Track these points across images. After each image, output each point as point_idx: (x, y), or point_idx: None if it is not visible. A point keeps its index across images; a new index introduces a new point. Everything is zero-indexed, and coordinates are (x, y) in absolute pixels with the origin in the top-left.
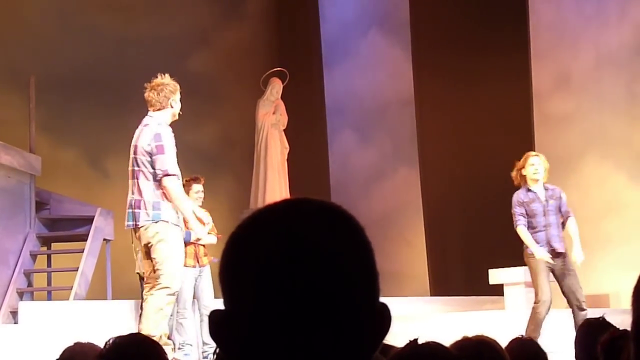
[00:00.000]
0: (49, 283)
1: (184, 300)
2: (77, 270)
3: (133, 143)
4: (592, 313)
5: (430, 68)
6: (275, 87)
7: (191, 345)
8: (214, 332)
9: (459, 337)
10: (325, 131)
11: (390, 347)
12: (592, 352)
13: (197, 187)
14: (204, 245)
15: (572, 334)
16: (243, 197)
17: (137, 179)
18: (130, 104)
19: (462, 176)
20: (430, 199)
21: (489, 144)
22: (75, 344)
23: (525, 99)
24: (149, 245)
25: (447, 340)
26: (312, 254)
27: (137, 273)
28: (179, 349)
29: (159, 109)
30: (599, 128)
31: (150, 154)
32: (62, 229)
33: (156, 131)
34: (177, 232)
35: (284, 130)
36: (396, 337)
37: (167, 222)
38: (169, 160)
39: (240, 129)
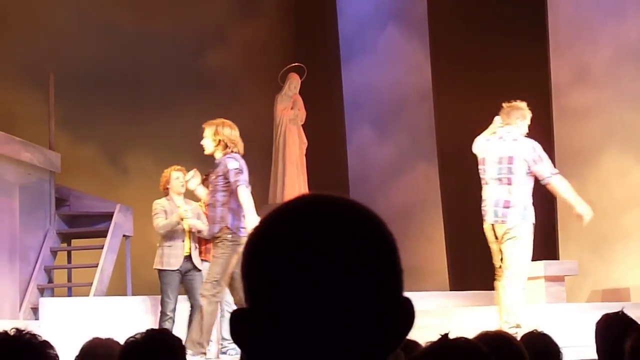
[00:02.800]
0: (69, 279)
1: None
2: (97, 267)
3: (501, 155)
4: (612, 307)
5: (448, 62)
6: (293, 83)
7: (210, 340)
8: (234, 332)
9: (478, 332)
10: (343, 126)
11: (415, 344)
12: (613, 346)
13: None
14: None
15: (591, 328)
16: (261, 193)
17: (510, 184)
18: (148, 101)
19: None
20: (449, 193)
21: None
22: (94, 339)
23: (544, 92)
24: (506, 240)
25: (467, 335)
26: (334, 253)
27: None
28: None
29: (507, 124)
30: (618, 121)
31: (528, 162)
32: (82, 225)
33: (532, 144)
34: (532, 233)
35: (302, 125)
36: (416, 332)
37: (531, 223)
38: (550, 165)
39: (258, 124)
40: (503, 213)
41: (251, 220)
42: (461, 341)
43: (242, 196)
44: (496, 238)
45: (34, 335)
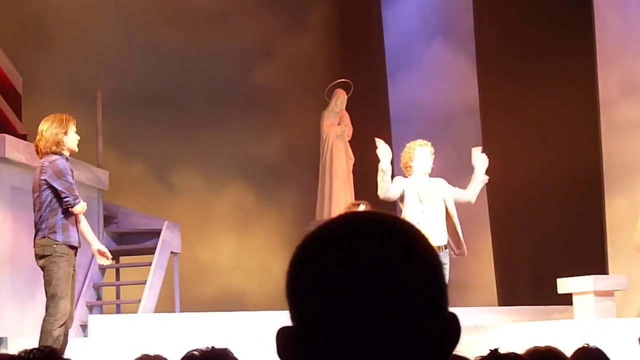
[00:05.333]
0: (117, 296)
1: None
2: (145, 284)
3: None
4: None
5: (495, 77)
6: (340, 98)
7: None
8: (281, 349)
9: (528, 347)
10: (390, 141)
11: (464, 359)
12: None
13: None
14: None
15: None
16: (308, 209)
17: None
18: (195, 118)
19: (528, 185)
20: (497, 208)
21: (555, 152)
22: (143, 356)
23: (592, 106)
24: None
25: (516, 350)
26: (379, 270)
27: None
28: None
29: None
30: None
31: None
32: (130, 242)
33: None
34: None
35: (349, 141)
36: (465, 348)
37: None
38: None
39: (305, 140)
40: None
41: None
42: (511, 356)
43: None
44: None
45: (52, 353)
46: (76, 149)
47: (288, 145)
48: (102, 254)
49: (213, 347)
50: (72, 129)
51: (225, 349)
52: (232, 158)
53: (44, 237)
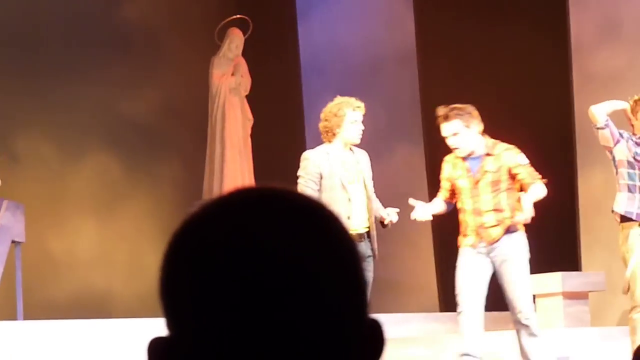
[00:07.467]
0: None
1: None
2: None
3: None
4: None
5: (437, 14)
6: (235, 41)
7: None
8: None
9: None
10: (300, 97)
11: None
12: None
13: None
14: None
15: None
16: (193, 185)
17: None
18: (46, 66)
19: None
20: (438, 184)
21: (514, 112)
22: None
23: (562, 54)
24: None
25: None
26: (273, 263)
27: None
28: None
29: None
30: None
31: None
32: None
33: None
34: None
35: (247, 96)
36: None
37: None
38: None
39: (190, 95)
40: None
41: None
42: None
43: None
44: None
45: None
46: None
47: (167, 101)
48: None
49: None
50: None
51: None
52: (94, 118)
53: None
